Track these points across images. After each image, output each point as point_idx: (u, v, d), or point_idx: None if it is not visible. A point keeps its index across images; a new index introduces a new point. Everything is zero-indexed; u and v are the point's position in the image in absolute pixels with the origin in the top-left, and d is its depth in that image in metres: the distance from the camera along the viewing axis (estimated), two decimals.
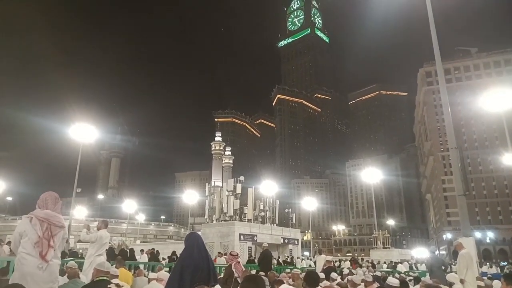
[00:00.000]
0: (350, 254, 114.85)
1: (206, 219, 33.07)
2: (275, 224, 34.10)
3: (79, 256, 17.58)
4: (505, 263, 37.98)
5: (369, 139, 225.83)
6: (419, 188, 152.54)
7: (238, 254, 9.95)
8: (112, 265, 9.34)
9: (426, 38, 15.56)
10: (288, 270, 12.14)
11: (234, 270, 8.80)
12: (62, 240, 4.84)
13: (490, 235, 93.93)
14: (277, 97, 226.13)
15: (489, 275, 15.11)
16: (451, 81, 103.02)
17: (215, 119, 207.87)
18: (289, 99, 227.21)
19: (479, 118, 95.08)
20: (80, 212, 49.29)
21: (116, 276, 6.36)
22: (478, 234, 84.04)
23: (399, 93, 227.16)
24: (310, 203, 55.64)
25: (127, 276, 8.97)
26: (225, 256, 17.20)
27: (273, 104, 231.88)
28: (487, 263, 36.25)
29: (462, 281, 9.14)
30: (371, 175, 45.62)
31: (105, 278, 5.24)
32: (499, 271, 22.25)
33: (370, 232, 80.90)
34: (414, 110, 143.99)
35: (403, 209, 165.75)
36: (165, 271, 9.59)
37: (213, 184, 39.93)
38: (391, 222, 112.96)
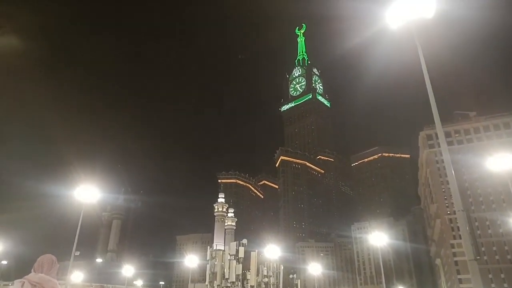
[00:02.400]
0: None
1: (207, 285, 31.76)
2: None
3: None
4: None
5: (374, 201, 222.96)
6: (428, 253, 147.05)
7: None
8: None
9: (425, 101, 16.16)
10: None
11: None
12: None
13: None
14: (280, 158, 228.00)
15: None
16: (453, 144, 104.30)
17: (219, 180, 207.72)
18: (292, 161, 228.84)
19: (483, 180, 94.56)
20: (77, 276, 47.47)
21: None
22: None
23: (401, 155, 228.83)
24: (315, 268, 53.53)
25: None
26: None
27: (277, 165, 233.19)
28: None
29: None
30: (378, 238, 44.42)
31: None
32: None
33: None
34: (417, 172, 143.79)
35: (412, 275, 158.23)
36: None
37: (215, 248, 38.76)
38: None
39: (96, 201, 30.74)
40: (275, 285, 32.81)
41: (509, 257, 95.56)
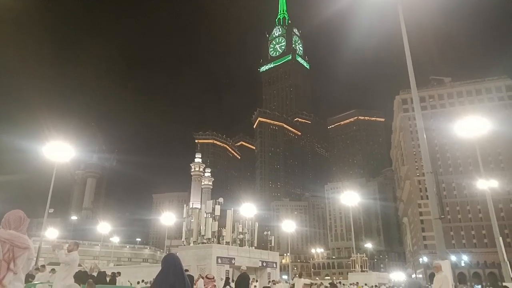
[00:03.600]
0: (329, 277, 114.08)
1: (183, 241, 32.33)
2: (253, 247, 33.66)
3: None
4: (479, 287, 38.57)
5: (348, 163, 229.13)
6: (396, 212, 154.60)
7: (214, 277, 9.81)
8: None
9: (402, 66, 16.23)
10: None
11: None
12: (27, 262, 4.58)
13: (464, 258, 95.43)
14: (258, 120, 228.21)
15: None
16: (426, 109, 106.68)
17: (196, 140, 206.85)
18: (270, 122, 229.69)
19: (453, 145, 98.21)
20: (51, 233, 47.40)
21: None
22: (453, 258, 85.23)
23: (377, 118, 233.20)
24: (289, 225, 55.48)
25: None
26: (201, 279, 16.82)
27: (254, 127, 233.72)
28: (463, 287, 36.70)
29: None
30: (350, 198, 46.06)
31: None
32: None
33: (349, 255, 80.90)
34: (391, 135, 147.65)
35: (380, 232, 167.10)
36: None
37: (191, 206, 39.31)
38: (369, 245, 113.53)
39: (69, 159, 30.12)
40: (250, 242, 33.73)
41: (470, 216, 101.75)
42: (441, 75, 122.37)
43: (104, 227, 56.08)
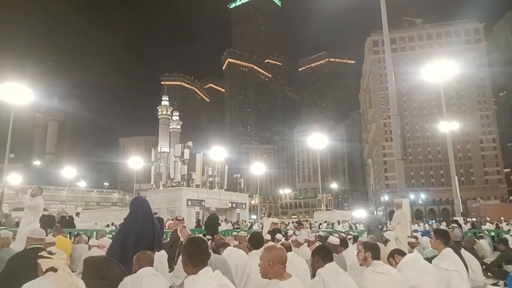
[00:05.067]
0: (296, 216, 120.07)
1: (152, 185, 32.44)
2: (223, 189, 34.37)
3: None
4: (433, 221, 41.86)
5: (317, 106, 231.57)
6: (362, 154, 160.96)
7: (184, 219, 9.87)
8: (49, 233, 8.88)
9: (375, 7, 15.75)
10: (235, 233, 12.32)
11: (180, 234, 8.71)
12: None
13: (422, 196, 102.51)
14: (227, 61, 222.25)
15: (419, 232, 16.49)
16: (396, 51, 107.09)
17: (162, 82, 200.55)
18: (239, 64, 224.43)
19: (420, 87, 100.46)
20: (14, 179, 46.09)
21: (52, 244, 6.00)
22: (412, 196, 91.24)
23: (347, 61, 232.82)
24: (258, 168, 56.59)
25: (65, 244, 8.59)
26: (171, 221, 17.07)
27: (223, 68, 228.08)
28: (419, 222, 39.71)
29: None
30: (318, 141, 47.03)
31: (38, 246, 4.89)
32: (428, 229, 24.43)
33: (315, 195, 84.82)
34: (360, 79, 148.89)
35: (346, 173, 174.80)
36: (108, 237, 9.31)
37: (159, 150, 38.98)
38: (334, 185, 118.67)
39: (27, 101, 28.46)
40: (220, 184, 34.30)
41: (430, 157, 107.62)
42: (413, 16, 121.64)
43: (69, 171, 54.99)
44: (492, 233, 15.76)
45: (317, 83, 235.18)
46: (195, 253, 2.81)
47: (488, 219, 35.58)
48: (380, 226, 13.25)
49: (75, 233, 13.78)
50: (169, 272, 5.76)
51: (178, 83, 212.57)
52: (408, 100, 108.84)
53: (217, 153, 37.84)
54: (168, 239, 9.40)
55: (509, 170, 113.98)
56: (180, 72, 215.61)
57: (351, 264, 6.00)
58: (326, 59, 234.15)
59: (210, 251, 5.22)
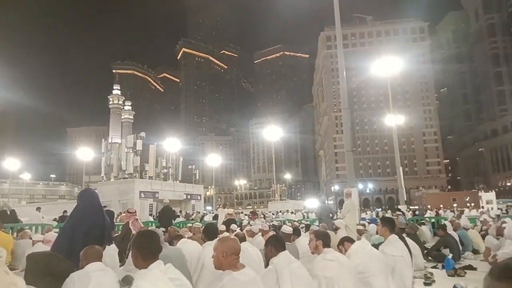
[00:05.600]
0: (250, 206, 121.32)
1: (103, 177, 31.20)
2: (177, 181, 33.87)
3: None
4: (379, 209, 44.10)
5: (273, 98, 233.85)
6: (314, 145, 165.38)
7: (136, 211, 9.62)
8: None
9: (329, 2, 16.09)
10: (190, 225, 12.21)
11: (131, 227, 8.49)
12: None
13: (370, 186, 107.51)
14: (182, 50, 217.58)
15: (367, 220, 17.30)
16: (348, 47, 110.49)
17: (114, 71, 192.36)
18: (195, 54, 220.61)
19: (369, 82, 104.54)
20: None
21: None
22: (360, 186, 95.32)
23: (302, 55, 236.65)
24: (214, 159, 56.35)
25: (5, 240, 8.05)
26: (123, 214, 16.58)
27: (178, 58, 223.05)
28: (367, 211, 41.64)
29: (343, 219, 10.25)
30: (273, 133, 47.66)
31: None
32: (375, 216, 25.71)
33: (269, 186, 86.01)
34: (314, 72, 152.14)
35: (299, 164, 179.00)
36: (55, 232, 8.87)
37: (110, 141, 37.39)
38: (288, 176, 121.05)
39: None
40: (174, 176, 33.74)
41: (377, 148, 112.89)
42: (364, 13, 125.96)
43: (12, 163, 51.46)
44: (433, 220, 16.90)
45: (272, 75, 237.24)
46: (145, 246, 2.74)
47: (429, 206, 38.08)
48: (330, 215, 13.75)
49: (18, 228, 12.98)
50: (120, 266, 5.60)
51: (131, 72, 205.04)
52: (358, 95, 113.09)
53: (172, 144, 37.13)
54: (120, 232, 9.13)
55: (448, 161, 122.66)
56: (132, 61, 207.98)
57: (304, 252, 6.17)
58: (281, 52, 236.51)
59: (166, 243, 5.16)
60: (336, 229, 9.47)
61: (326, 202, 78.37)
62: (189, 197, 32.95)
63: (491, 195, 42.26)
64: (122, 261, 5.87)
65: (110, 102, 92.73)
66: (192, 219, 20.96)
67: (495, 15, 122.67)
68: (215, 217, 23.23)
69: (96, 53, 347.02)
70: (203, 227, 6.16)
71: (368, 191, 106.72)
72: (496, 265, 1.00)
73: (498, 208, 29.36)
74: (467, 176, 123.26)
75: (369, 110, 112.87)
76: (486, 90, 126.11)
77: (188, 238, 7.00)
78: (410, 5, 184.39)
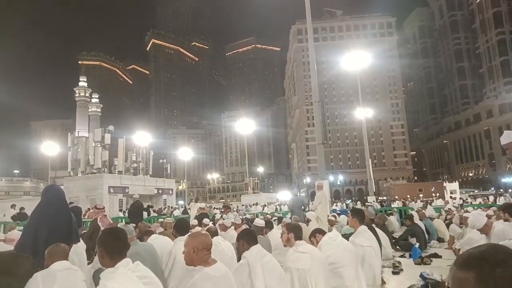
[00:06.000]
0: (223, 200, 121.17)
1: (70, 172, 30.18)
2: (148, 175, 33.31)
3: None
4: (350, 201, 45.15)
5: (245, 91, 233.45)
6: (286, 138, 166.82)
7: (104, 207, 9.38)
8: None
9: None
10: (161, 220, 12.04)
11: (100, 224, 8.28)
12: None
13: (340, 178, 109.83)
14: (151, 42, 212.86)
15: (337, 211, 17.66)
16: (318, 40, 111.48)
17: (80, 62, 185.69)
18: (165, 45, 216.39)
19: (339, 76, 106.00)
20: None
21: None
22: (331, 178, 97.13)
23: (273, 48, 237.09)
24: (185, 153, 55.73)
25: None
26: (91, 210, 16.12)
27: (148, 49, 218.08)
28: (337, 202, 42.55)
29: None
30: (245, 126, 47.64)
31: None
32: (345, 208, 26.30)
33: (242, 179, 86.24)
34: (286, 66, 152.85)
35: (271, 157, 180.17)
36: (19, 230, 8.46)
37: (77, 134, 36.20)
38: (260, 169, 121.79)
39: None
40: (145, 170, 33.14)
41: (347, 141, 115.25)
42: (334, 7, 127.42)
43: None
44: (401, 210, 17.46)
45: (244, 68, 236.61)
46: (112, 244, 2.65)
47: (396, 197, 39.38)
48: (302, 207, 13.92)
49: None
50: (89, 264, 5.43)
51: (98, 63, 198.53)
52: (329, 88, 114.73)
53: (142, 138, 36.40)
54: (88, 229, 8.88)
55: (414, 153, 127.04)
56: (99, 52, 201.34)
57: (276, 244, 6.20)
58: (253, 45, 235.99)
59: (136, 239, 5.04)
60: (308, 221, 9.60)
61: (298, 194, 79.45)
62: (160, 191, 32.47)
63: (455, 185, 44.27)
64: (90, 258, 5.70)
65: (76, 95, 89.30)
66: (164, 214, 20.67)
67: (458, 12, 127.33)
68: (185, 211, 23.06)
69: (61, 44, 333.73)
70: (174, 223, 6.06)
71: (338, 183, 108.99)
72: (460, 255, 1.05)
73: (460, 198, 30.72)
74: (432, 167, 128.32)
75: (340, 103, 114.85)
76: (450, 84, 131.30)
77: (160, 233, 6.89)
78: (378, 0, 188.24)
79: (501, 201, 22.50)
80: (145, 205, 21.02)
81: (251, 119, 54.41)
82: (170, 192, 34.35)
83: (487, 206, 15.30)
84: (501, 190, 49.00)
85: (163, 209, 26.08)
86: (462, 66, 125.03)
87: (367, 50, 31.41)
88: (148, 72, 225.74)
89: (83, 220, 13.10)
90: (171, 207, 28.89)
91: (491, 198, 28.39)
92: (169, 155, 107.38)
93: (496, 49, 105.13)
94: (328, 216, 11.00)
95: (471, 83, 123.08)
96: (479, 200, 27.90)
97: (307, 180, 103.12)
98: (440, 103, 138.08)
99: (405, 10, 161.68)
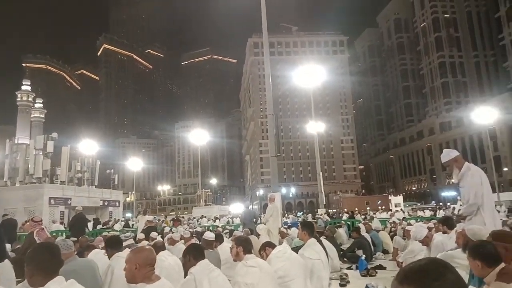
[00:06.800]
0: (174, 212, 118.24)
1: (6, 181, 28.01)
2: (94, 186, 31.75)
3: None
4: (301, 213, 45.89)
5: (200, 102, 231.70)
6: (241, 150, 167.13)
7: (41, 220, 8.73)
8: None
9: (257, 9, 16.37)
10: (106, 233, 11.43)
11: (36, 237, 7.65)
12: None
13: (292, 190, 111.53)
14: (103, 47, 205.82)
15: (289, 224, 17.82)
16: (274, 54, 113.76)
17: (24, 65, 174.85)
18: (117, 51, 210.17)
19: (293, 90, 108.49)
20: None
21: None
22: (284, 190, 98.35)
23: (230, 59, 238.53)
24: (135, 163, 53.86)
25: None
26: (27, 223, 14.97)
27: (99, 54, 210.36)
28: (289, 214, 43.04)
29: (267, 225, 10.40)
30: (199, 137, 47.09)
31: None
32: (296, 220, 26.65)
33: (194, 191, 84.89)
34: (242, 78, 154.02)
35: (225, 169, 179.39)
36: None
37: (16, 141, 33.77)
38: (214, 181, 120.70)
39: None
40: (90, 180, 31.54)
41: (299, 154, 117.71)
42: (290, 23, 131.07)
43: None
44: (349, 222, 17.95)
45: (200, 78, 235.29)
46: (42, 261, 2.41)
47: (345, 210, 40.65)
48: (254, 220, 13.89)
49: None
50: (21, 282, 4.95)
51: (44, 66, 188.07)
52: (283, 102, 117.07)
53: (88, 146, 34.78)
54: (23, 243, 8.22)
55: (362, 167, 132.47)
56: (46, 55, 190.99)
57: (226, 258, 6.07)
58: (210, 56, 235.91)
59: (75, 255, 4.68)
60: (258, 234, 9.55)
61: (251, 206, 79.52)
62: (106, 203, 31.01)
63: (399, 198, 46.57)
64: (23, 276, 5.20)
65: (18, 99, 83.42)
66: (108, 228, 19.71)
67: (404, 35, 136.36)
68: (127, 224, 22.15)
69: (4, 45, 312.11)
70: (105, 239, 5.70)
71: (291, 195, 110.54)
72: (401, 270, 1.08)
73: (401, 209, 32.27)
74: (379, 181, 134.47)
75: (293, 117, 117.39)
76: (396, 102, 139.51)
77: (103, 248, 6.48)
78: (331, 18, 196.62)
79: (440, 214, 23.95)
80: (90, 218, 19.95)
81: (205, 130, 53.95)
82: (117, 204, 32.93)
83: (428, 219, 16.19)
84: (441, 203, 52.29)
85: (110, 221, 24.88)
86: (407, 86, 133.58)
87: (320, 66, 32.49)
88: (98, 78, 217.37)
89: (18, 233, 12.11)
90: (117, 219, 27.64)
91: (428, 212, 30.15)
92: (117, 165, 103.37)
93: (438, 71, 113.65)
94: (279, 228, 11.04)
95: (415, 102, 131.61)
96: (420, 213, 29.49)
97: (260, 192, 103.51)
98: (387, 120, 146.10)
99: (356, 29, 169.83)
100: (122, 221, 26.57)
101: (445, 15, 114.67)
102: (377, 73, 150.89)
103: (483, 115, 35.26)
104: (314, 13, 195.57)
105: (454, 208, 27.09)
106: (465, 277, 4.16)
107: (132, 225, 22.21)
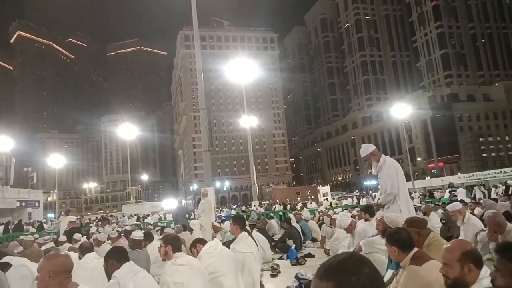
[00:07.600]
0: (102, 211, 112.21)
1: None
2: (9, 186, 28.91)
3: None
4: (235, 206, 46.30)
5: (128, 94, 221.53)
6: (173, 145, 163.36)
7: None
8: None
9: (187, 2, 15.99)
10: (23, 237, 10.46)
11: None
12: None
13: (227, 184, 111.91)
14: (17, 34, 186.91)
15: (223, 217, 17.87)
16: (206, 48, 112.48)
17: None
18: (34, 39, 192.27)
19: (226, 85, 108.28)
20: None
21: None
22: (218, 184, 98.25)
23: (160, 51, 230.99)
24: (57, 160, 49.90)
25: None
26: None
27: (12, 42, 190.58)
28: (223, 208, 43.20)
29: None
30: (128, 131, 44.98)
31: None
32: (230, 213, 26.81)
33: (124, 188, 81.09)
34: (173, 71, 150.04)
35: (157, 164, 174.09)
36: None
37: None
38: (145, 177, 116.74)
39: None
40: (4, 180, 28.71)
41: (233, 148, 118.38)
42: (222, 17, 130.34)
43: None
44: (280, 213, 18.50)
45: (128, 70, 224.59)
46: None
47: (277, 201, 41.79)
48: (187, 215, 13.67)
49: None
50: None
51: None
52: (216, 96, 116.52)
53: (2, 142, 31.45)
54: None
55: (293, 159, 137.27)
56: None
57: (156, 257, 5.87)
58: (138, 47, 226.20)
59: None
60: (191, 230, 9.42)
61: (184, 202, 78.18)
62: (24, 204, 28.41)
63: (327, 188, 49.05)
64: None
65: None
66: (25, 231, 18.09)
67: (330, 34, 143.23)
68: (41, 226, 20.64)
69: None
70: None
71: (225, 189, 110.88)
72: (321, 265, 1.09)
73: (326, 199, 34.02)
74: (308, 172, 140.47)
75: (226, 111, 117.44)
76: (323, 98, 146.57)
77: (18, 253, 5.91)
78: (262, 15, 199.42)
79: (363, 202, 25.63)
80: (4, 221, 18.17)
81: (134, 124, 51.77)
82: (37, 205, 30.38)
83: (352, 207, 17.27)
84: (363, 192, 56.10)
85: (31, 223, 22.84)
86: (333, 82, 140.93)
87: (251, 61, 32.82)
88: (12, 68, 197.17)
89: None
90: (38, 221, 25.47)
91: (349, 200, 32.34)
92: (36, 163, 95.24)
93: (360, 69, 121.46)
94: (212, 223, 10.99)
95: (340, 98, 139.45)
96: (344, 202, 31.40)
97: (194, 187, 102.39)
98: (315, 114, 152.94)
99: (286, 27, 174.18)
100: (36, 223, 24.47)
101: (367, 17, 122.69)
102: (305, 70, 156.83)
103: (399, 110, 38.33)
104: (245, 9, 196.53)
105: (375, 196, 29.24)
106: (385, 261, 4.51)
107: (49, 227, 20.66)
